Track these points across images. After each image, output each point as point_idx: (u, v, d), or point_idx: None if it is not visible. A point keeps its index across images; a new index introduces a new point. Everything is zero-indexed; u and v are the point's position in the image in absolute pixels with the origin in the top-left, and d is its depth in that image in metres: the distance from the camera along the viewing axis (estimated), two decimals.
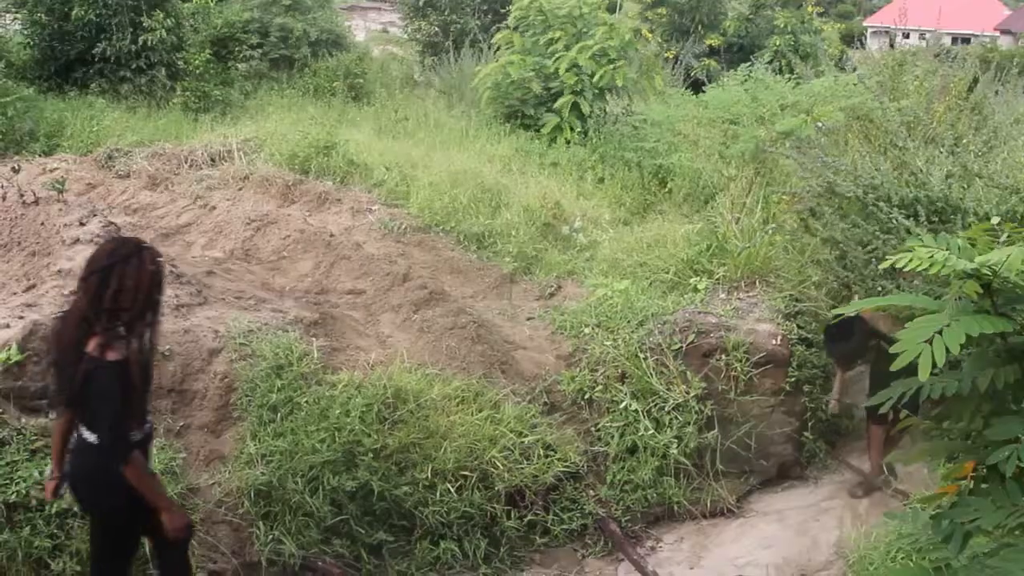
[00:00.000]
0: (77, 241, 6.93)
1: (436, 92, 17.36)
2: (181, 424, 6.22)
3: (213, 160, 11.31)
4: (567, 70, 14.41)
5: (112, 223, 7.29)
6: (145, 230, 9.28)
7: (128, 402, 4.44)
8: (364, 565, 6.23)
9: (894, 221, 7.89)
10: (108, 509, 4.69)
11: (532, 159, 13.09)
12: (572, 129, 14.16)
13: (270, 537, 5.94)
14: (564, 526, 7.03)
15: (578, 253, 10.09)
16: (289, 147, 11.12)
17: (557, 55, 14.59)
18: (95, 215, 7.36)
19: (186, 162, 11.22)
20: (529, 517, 6.88)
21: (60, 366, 4.61)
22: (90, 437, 4.49)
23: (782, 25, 24.92)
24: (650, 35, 19.14)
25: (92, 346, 4.36)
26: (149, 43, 14.56)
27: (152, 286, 4.51)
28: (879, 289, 7.81)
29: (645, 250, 9.85)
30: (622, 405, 7.43)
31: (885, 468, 7.50)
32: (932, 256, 3.20)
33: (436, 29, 21.80)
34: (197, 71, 15.00)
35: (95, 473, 4.58)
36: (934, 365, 3.02)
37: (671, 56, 22.77)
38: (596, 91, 14.54)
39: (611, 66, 14.60)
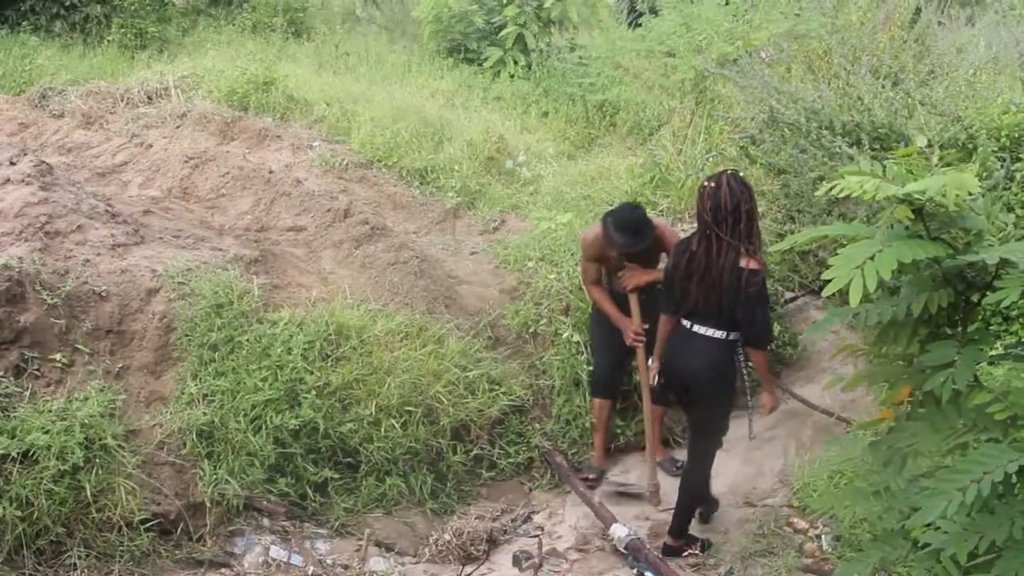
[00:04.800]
0: (7, 181, 6.75)
1: (378, 27, 17.09)
2: (120, 366, 6.11)
3: (150, 98, 11.06)
4: (509, 2, 14.25)
5: (44, 162, 7.11)
6: (80, 169, 9.10)
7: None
8: (310, 503, 6.20)
9: (838, 148, 7.90)
10: (721, 393, 6.02)
11: (475, 93, 12.99)
12: (516, 63, 14.03)
13: (213, 477, 5.88)
14: (510, 460, 7.03)
15: (522, 187, 10.05)
16: (227, 84, 10.90)
17: None
18: (26, 154, 7.17)
19: (122, 100, 10.97)
20: (475, 451, 6.88)
21: (707, 283, 5.71)
22: (716, 334, 5.79)
23: None
24: None
25: (748, 263, 5.58)
26: None
27: (754, 201, 5.75)
28: (822, 219, 7.86)
29: (589, 183, 9.84)
30: (565, 337, 7.42)
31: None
32: (863, 182, 3.18)
33: None
34: (132, 7, 14.60)
35: (719, 363, 5.89)
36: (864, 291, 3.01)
37: None
38: (541, 24, 14.40)
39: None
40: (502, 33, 14.15)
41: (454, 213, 9.45)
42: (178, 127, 10.15)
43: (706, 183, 5.71)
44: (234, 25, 16.02)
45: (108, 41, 13.96)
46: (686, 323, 5.91)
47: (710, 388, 5.98)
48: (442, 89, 12.83)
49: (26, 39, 13.52)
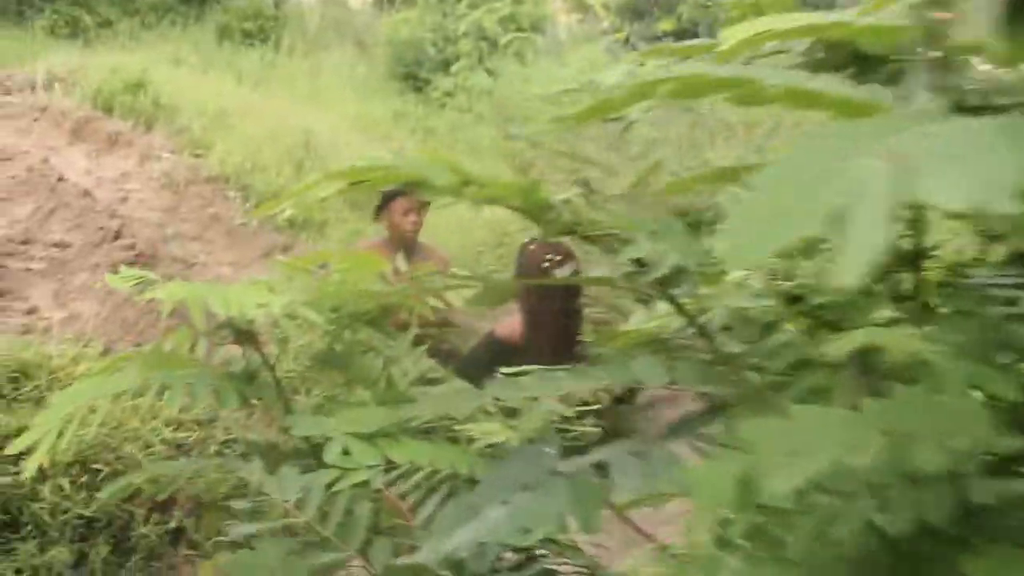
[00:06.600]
0: None
1: (352, 46, 16.28)
2: None
3: (33, 88, 10.36)
4: (465, 34, 13.48)
5: None
6: None
7: None
8: None
9: None
10: None
11: (405, 123, 12.17)
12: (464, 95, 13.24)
13: None
14: (214, 539, 6.08)
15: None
16: (95, 83, 10.09)
17: (460, 15, 13.67)
18: None
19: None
20: (173, 525, 5.93)
21: None
22: None
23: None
24: (605, 11, 18.35)
25: None
26: None
27: None
28: None
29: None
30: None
31: None
32: None
33: None
34: None
35: None
36: None
37: (621, 37, 21.64)
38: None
39: (521, 34, 13.71)
40: (454, 67, 13.38)
41: (286, 246, 8.48)
42: (36, 120, 9.42)
43: None
44: (200, 24, 15.39)
45: (39, 27, 13.33)
46: None
47: None
48: (369, 115, 12.01)
49: None
